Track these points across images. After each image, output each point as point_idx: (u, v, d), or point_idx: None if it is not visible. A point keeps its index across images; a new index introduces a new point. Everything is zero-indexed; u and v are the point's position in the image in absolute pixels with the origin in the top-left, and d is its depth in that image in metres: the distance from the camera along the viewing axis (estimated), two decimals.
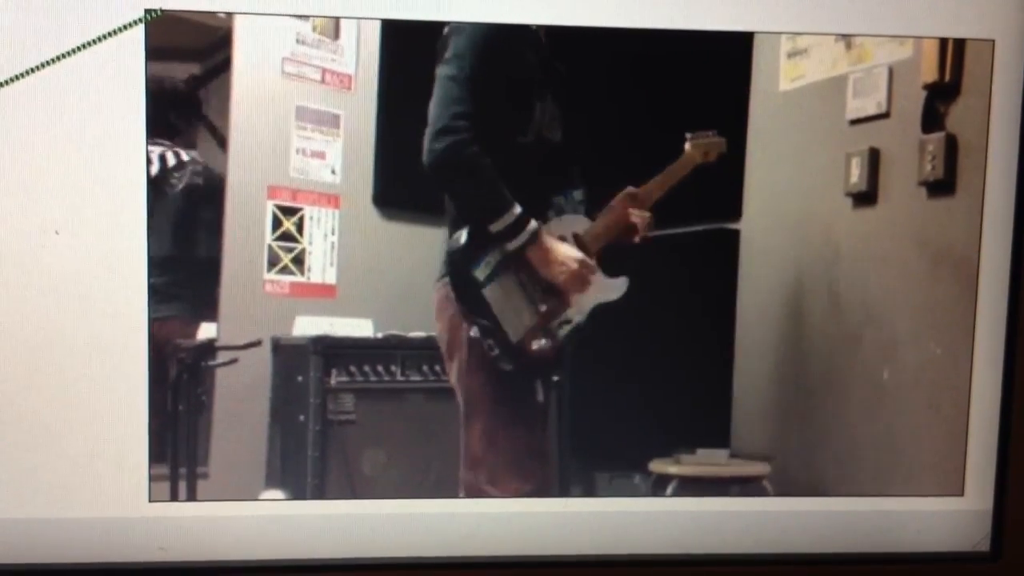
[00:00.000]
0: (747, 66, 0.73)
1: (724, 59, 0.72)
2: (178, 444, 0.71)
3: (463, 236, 0.74)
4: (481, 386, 0.75)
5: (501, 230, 0.74)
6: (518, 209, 0.74)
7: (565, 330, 0.76)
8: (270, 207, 0.71)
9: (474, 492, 0.74)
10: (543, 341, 0.75)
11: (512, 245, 0.74)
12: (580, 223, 0.75)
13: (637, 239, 0.75)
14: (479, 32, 0.70)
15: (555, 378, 0.76)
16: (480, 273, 0.74)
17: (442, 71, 0.71)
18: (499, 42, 0.71)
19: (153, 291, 0.69)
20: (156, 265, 0.69)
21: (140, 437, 0.70)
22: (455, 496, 0.74)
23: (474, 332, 0.74)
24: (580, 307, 0.76)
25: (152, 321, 0.69)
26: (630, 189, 0.74)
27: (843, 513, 0.76)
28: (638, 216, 0.74)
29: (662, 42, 0.70)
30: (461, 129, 0.72)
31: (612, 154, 0.74)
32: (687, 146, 0.73)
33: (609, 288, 0.75)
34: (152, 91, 0.67)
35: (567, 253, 0.75)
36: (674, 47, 0.71)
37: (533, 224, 0.74)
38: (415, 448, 0.74)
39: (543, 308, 0.76)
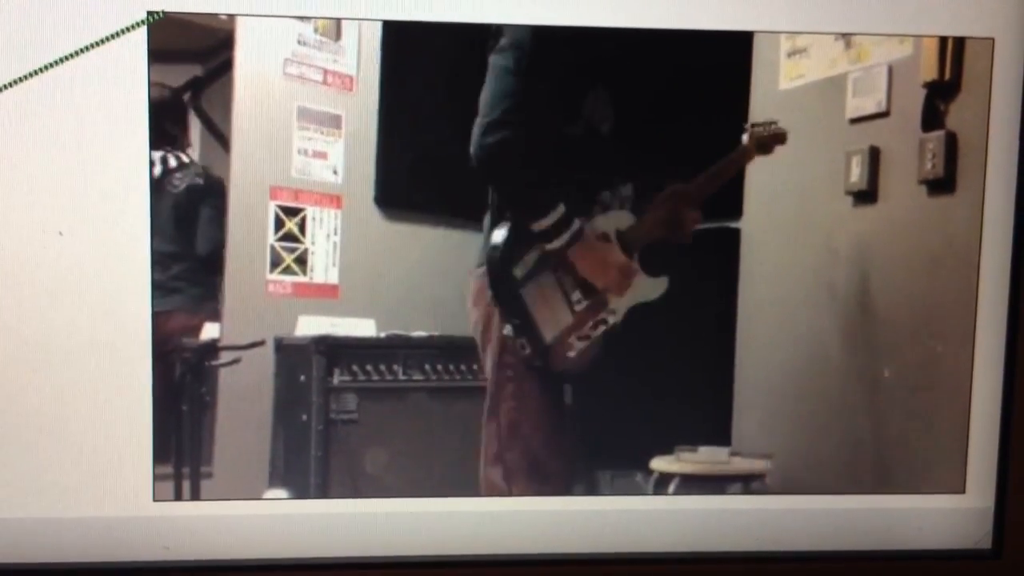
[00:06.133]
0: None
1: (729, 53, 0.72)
2: (182, 444, 0.71)
3: (504, 232, 0.73)
4: (509, 383, 0.75)
5: (544, 229, 0.74)
6: (563, 208, 0.73)
7: (600, 331, 0.76)
8: (272, 208, 0.72)
9: (492, 489, 0.74)
10: (576, 342, 0.75)
11: (553, 245, 0.74)
12: (624, 219, 0.75)
13: (684, 238, 0.74)
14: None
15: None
16: (519, 271, 0.74)
17: (496, 60, 0.70)
18: (557, 30, 0.69)
19: (158, 290, 0.69)
20: (160, 266, 0.69)
21: (144, 437, 0.70)
22: (458, 495, 0.74)
23: (507, 330, 0.74)
24: (618, 308, 0.76)
25: (157, 316, 0.69)
26: (678, 186, 0.73)
27: (844, 511, 0.76)
28: (683, 215, 0.73)
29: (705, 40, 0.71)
30: (513, 124, 0.70)
31: (661, 149, 0.74)
32: (744, 138, 0.73)
33: (649, 288, 0.75)
34: (154, 93, 0.68)
35: (609, 256, 0.74)
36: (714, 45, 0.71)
37: (576, 224, 0.74)
38: (417, 447, 0.74)
39: (580, 309, 0.75)
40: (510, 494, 0.74)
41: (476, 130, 0.71)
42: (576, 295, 0.75)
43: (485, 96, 0.71)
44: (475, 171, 0.72)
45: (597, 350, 0.76)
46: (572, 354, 0.75)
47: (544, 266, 0.74)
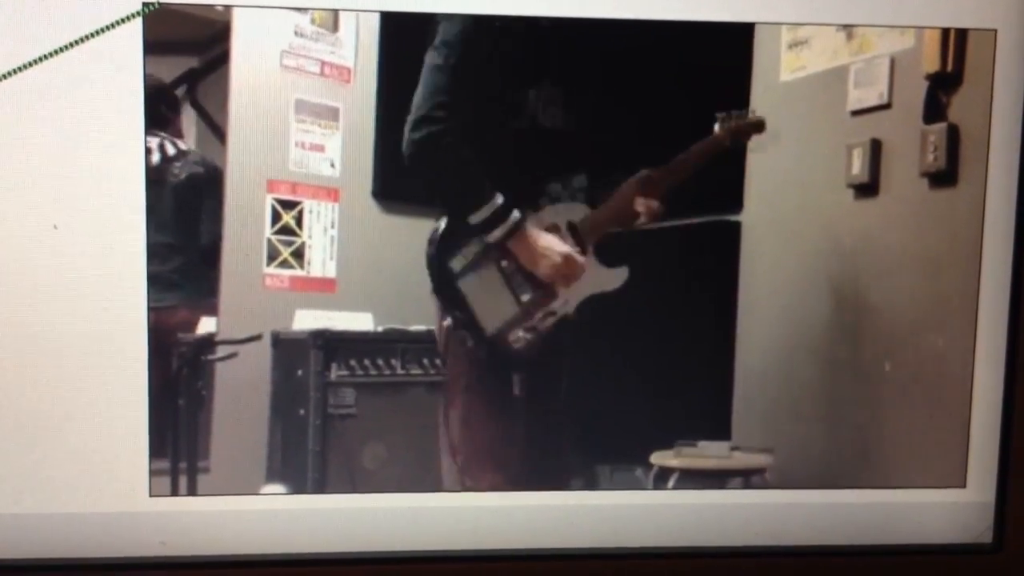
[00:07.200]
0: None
1: (729, 44, 0.72)
2: (178, 439, 0.71)
3: (441, 226, 0.73)
4: (458, 376, 0.75)
5: (480, 221, 0.73)
6: (500, 200, 0.73)
7: (549, 322, 0.75)
8: (269, 201, 0.71)
9: (452, 481, 0.74)
10: (522, 334, 0.75)
11: (492, 236, 0.74)
12: (577, 211, 0.74)
13: (644, 225, 0.74)
14: (470, 18, 0.69)
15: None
16: (456, 264, 0.74)
17: (429, 58, 0.70)
18: (491, 29, 0.70)
19: (153, 283, 0.68)
20: (155, 258, 0.69)
21: (140, 432, 0.70)
22: (456, 490, 0.74)
23: (447, 322, 0.74)
24: (568, 298, 0.75)
25: (152, 310, 0.69)
26: (645, 172, 0.73)
27: (845, 505, 0.76)
28: (644, 204, 0.73)
29: (667, 27, 0.70)
30: (441, 119, 0.71)
31: (616, 140, 0.73)
32: (716, 127, 0.72)
33: (605, 278, 0.75)
34: (150, 85, 0.67)
35: (551, 246, 0.74)
36: (680, 31, 0.70)
37: (515, 215, 0.73)
38: (415, 441, 0.74)
39: (525, 300, 0.75)
40: (464, 488, 0.74)
41: (406, 128, 0.71)
42: (522, 287, 0.75)
43: (416, 94, 0.71)
44: (409, 168, 0.72)
45: (547, 341, 0.75)
46: (519, 346, 0.75)
47: (486, 258, 0.74)
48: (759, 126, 0.73)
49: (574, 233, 0.75)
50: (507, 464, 0.75)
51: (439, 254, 0.73)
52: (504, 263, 0.74)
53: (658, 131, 0.73)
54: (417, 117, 0.71)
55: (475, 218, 0.73)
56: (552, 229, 0.75)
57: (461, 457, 0.74)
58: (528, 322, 0.75)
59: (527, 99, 0.72)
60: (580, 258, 0.75)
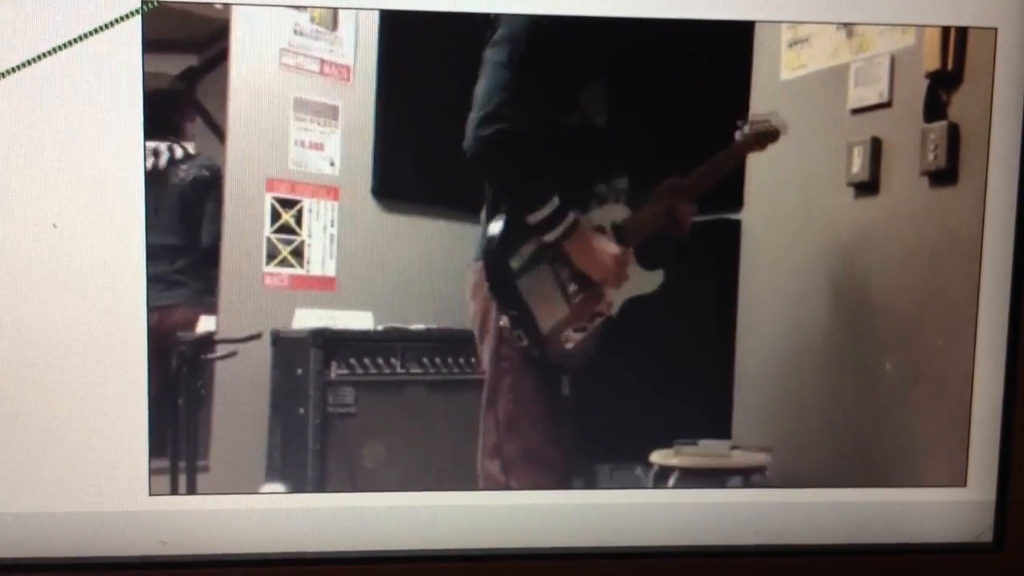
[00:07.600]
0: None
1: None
2: (178, 438, 0.71)
3: (500, 225, 0.73)
4: (507, 375, 0.75)
5: (539, 221, 0.73)
6: (557, 201, 0.73)
7: (596, 323, 0.75)
8: (268, 199, 0.71)
9: (491, 482, 0.74)
10: (573, 333, 0.75)
11: (549, 237, 0.74)
12: (620, 212, 0.74)
13: (680, 233, 0.74)
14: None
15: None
16: (515, 263, 0.74)
17: (491, 54, 0.70)
18: (551, 24, 0.69)
19: (153, 282, 0.68)
20: (155, 258, 0.69)
21: (140, 431, 0.69)
22: (456, 489, 0.74)
23: (504, 322, 0.74)
24: (613, 300, 0.75)
25: (152, 310, 0.68)
26: (674, 180, 0.73)
27: (845, 504, 0.76)
28: (677, 209, 0.73)
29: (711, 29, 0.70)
30: (507, 116, 0.71)
31: (658, 142, 0.73)
32: (738, 135, 0.72)
33: (644, 281, 0.75)
34: (149, 83, 0.67)
35: (604, 248, 0.74)
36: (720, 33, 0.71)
37: (571, 217, 0.73)
38: (415, 441, 0.74)
39: (576, 301, 0.75)
40: (508, 487, 0.74)
41: (470, 124, 0.71)
42: (572, 287, 0.75)
43: (480, 90, 0.71)
44: (469, 164, 0.72)
45: (594, 342, 0.75)
46: (569, 346, 0.75)
47: (540, 258, 0.74)
48: (776, 134, 0.73)
49: (619, 234, 0.75)
50: (554, 462, 0.75)
51: (499, 253, 0.73)
52: (556, 263, 0.74)
53: (692, 133, 0.73)
54: (484, 114, 0.71)
55: (533, 218, 0.73)
56: (599, 230, 0.74)
57: (505, 457, 0.74)
58: (578, 322, 0.75)
59: (580, 98, 0.72)
60: (629, 259, 0.75)
